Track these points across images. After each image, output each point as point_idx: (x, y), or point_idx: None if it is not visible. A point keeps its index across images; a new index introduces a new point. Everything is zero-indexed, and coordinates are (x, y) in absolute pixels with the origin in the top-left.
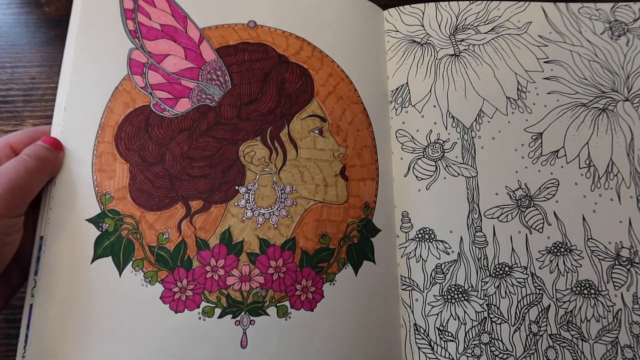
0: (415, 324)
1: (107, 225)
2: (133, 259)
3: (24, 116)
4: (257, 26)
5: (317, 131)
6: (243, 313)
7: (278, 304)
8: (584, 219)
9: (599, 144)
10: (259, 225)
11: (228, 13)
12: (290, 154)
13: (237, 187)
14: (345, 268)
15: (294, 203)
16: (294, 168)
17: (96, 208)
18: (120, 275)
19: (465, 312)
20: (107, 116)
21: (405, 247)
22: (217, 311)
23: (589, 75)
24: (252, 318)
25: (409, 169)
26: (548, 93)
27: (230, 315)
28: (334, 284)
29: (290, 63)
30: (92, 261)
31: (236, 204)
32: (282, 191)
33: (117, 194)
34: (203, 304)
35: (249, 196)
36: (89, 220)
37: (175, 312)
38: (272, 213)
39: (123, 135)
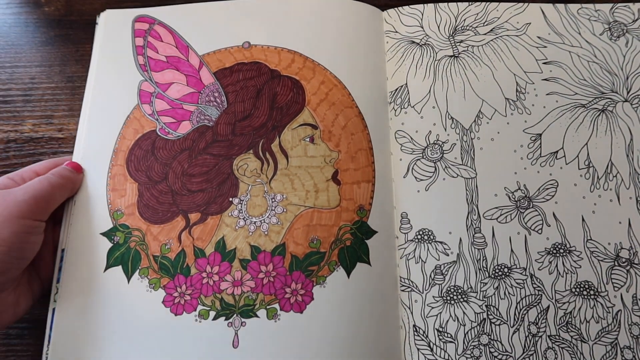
0: (414, 325)
1: (118, 238)
2: (140, 267)
3: (23, 116)
4: (251, 46)
5: (308, 139)
6: (235, 315)
7: (268, 307)
8: (583, 219)
9: (598, 144)
10: (250, 233)
11: (225, 37)
12: (281, 163)
13: (230, 199)
14: (337, 270)
15: (284, 210)
16: (284, 177)
17: (109, 223)
18: (128, 282)
19: (464, 313)
20: (120, 142)
21: (405, 248)
22: (212, 314)
23: (588, 76)
24: (243, 320)
25: (408, 170)
26: (547, 94)
27: (224, 317)
28: (324, 287)
29: (281, 77)
30: (105, 270)
31: (230, 214)
32: (273, 199)
33: (127, 210)
34: (199, 307)
35: (241, 206)
36: (103, 234)
37: (175, 315)
38: (262, 221)
39: (133, 158)
